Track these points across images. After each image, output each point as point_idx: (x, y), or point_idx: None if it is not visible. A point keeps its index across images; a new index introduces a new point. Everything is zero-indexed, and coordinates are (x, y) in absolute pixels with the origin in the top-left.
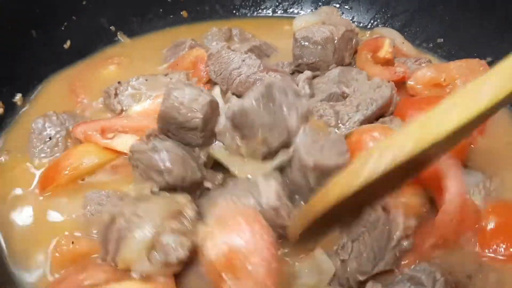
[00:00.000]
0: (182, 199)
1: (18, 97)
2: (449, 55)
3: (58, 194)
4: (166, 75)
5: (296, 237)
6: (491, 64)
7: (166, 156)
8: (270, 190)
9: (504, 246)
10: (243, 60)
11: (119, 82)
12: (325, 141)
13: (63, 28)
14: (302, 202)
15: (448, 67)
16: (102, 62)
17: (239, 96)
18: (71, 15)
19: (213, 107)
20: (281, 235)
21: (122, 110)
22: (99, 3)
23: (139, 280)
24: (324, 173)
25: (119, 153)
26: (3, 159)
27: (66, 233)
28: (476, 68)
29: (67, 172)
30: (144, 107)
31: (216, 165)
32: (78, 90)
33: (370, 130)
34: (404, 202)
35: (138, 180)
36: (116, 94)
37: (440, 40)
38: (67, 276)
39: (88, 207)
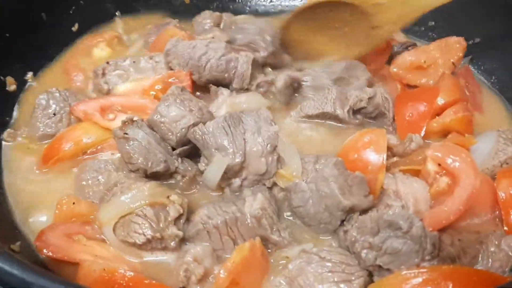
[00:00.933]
0: (176, 197)
1: (29, 75)
2: (440, 38)
3: (60, 167)
4: (151, 57)
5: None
6: (479, 44)
7: (131, 144)
8: (255, 201)
9: None
10: (207, 45)
11: (107, 62)
12: (353, 179)
13: (71, 12)
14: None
15: (428, 48)
16: (92, 40)
17: (215, 83)
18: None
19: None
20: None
21: (109, 90)
22: None
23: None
24: (348, 213)
25: None
26: (15, 133)
27: (70, 193)
28: (453, 46)
29: (70, 146)
30: (127, 87)
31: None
32: (71, 69)
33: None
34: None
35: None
36: (103, 74)
37: (432, 23)
38: (58, 226)
39: (86, 174)
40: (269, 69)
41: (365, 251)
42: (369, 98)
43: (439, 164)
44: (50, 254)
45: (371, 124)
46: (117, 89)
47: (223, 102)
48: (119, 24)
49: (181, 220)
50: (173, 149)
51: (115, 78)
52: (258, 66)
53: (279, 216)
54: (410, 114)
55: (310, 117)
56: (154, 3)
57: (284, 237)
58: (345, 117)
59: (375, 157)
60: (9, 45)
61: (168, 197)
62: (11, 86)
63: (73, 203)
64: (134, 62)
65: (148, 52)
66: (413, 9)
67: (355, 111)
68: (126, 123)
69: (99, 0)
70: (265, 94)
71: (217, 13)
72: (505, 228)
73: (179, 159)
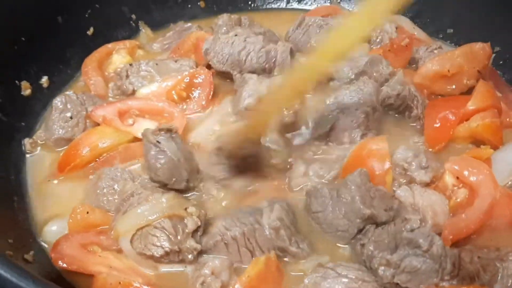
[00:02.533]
0: (194, 209)
1: (44, 79)
2: (459, 45)
3: (76, 174)
4: (176, 61)
5: None
6: (498, 53)
7: (161, 155)
8: (272, 213)
9: None
10: (245, 40)
11: (130, 64)
12: (376, 192)
13: (86, 16)
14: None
15: (452, 55)
16: (114, 46)
17: (254, 72)
18: (95, 3)
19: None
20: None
21: (133, 91)
22: None
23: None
24: (366, 223)
25: (136, 137)
26: (31, 140)
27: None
28: (478, 53)
29: (86, 151)
30: (151, 89)
31: None
32: (90, 73)
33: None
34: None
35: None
36: (127, 76)
37: (450, 30)
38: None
39: (102, 182)
40: (301, 59)
41: (382, 268)
42: (397, 95)
43: (457, 177)
44: (65, 265)
45: (398, 118)
46: (141, 90)
47: (258, 85)
48: (141, 34)
49: (199, 233)
50: None
51: (139, 80)
52: (294, 54)
53: (296, 227)
54: (439, 122)
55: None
56: (169, 5)
57: (302, 249)
58: (380, 109)
59: (379, 164)
60: (24, 49)
61: (185, 209)
62: (26, 90)
63: (87, 212)
64: (157, 64)
65: (172, 56)
66: None
67: (385, 106)
68: (162, 130)
69: (114, 3)
70: None
71: (236, 15)
72: None
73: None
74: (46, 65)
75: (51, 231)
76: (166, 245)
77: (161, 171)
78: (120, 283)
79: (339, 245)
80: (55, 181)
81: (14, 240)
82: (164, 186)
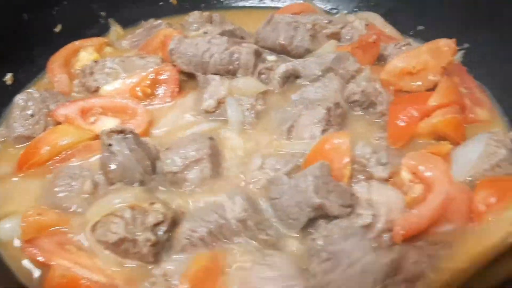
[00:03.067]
0: (160, 206)
1: (8, 77)
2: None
3: (35, 172)
4: (142, 58)
5: None
6: (467, 50)
7: (113, 158)
8: (235, 205)
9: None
10: (209, 42)
11: (95, 61)
12: (334, 187)
13: (54, 13)
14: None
15: (418, 51)
16: (82, 43)
17: (218, 73)
18: (62, 0)
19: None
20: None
21: (97, 88)
22: None
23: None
24: (319, 215)
25: (97, 134)
26: None
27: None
28: (443, 49)
29: (48, 148)
30: (115, 86)
31: None
32: (55, 70)
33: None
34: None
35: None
36: (92, 73)
37: (421, 27)
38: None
39: (59, 180)
40: (269, 57)
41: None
42: (362, 91)
43: (414, 173)
44: (35, 252)
45: (362, 115)
46: (105, 88)
47: (218, 86)
48: (112, 31)
49: (161, 228)
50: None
51: (103, 77)
52: (258, 55)
53: (260, 215)
54: (401, 119)
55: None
56: (140, 3)
57: (271, 235)
58: (344, 105)
59: (339, 158)
60: None
61: (152, 203)
62: None
63: (39, 214)
64: (123, 61)
65: (140, 53)
66: None
67: (350, 102)
68: (113, 132)
69: (84, 1)
70: (265, 80)
71: (207, 13)
72: None
73: (156, 179)
74: (11, 62)
75: (5, 228)
76: (121, 231)
77: (112, 174)
78: (64, 275)
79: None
80: (15, 179)
81: None
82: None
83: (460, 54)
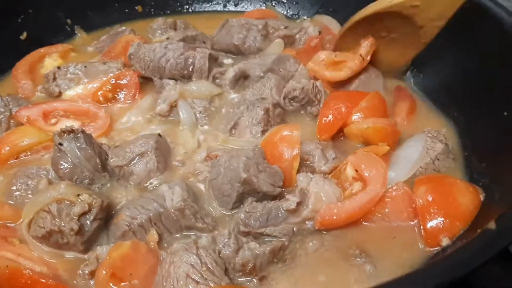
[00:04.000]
0: (87, 197)
1: None
2: None
3: None
4: (104, 63)
5: None
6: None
7: (63, 157)
8: (174, 195)
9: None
10: (165, 47)
11: (58, 67)
12: (266, 168)
13: (19, 20)
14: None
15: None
16: (47, 50)
17: (173, 78)
18: (28, 8)
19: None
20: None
21: (60, 93)
22: None
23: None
24: (250, 192)
25: None
26: None
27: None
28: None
29: (8, 148)
30: (77, 91)
31: None
32: (20, 76)
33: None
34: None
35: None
36: (54, 78)
37: None
38: None
39: (16, 179)
40: (225, 61)
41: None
42: (302, 88)
43: (356, 171)
44: None
45: (301, 112)
46: (67, 93)
47: (171, 91)
48: (77, 38)
49: (87, 217)
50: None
51: (66, 82)
52: (214, 59)
53: (198, 205)
54: (330, 114)
55: (251, 102)
56: (106, 13)
57: (208, 223)
58: (281, 103)
59: (289, 149)
60: None
61: (78, 195)
62: None
63: None
64: (85, 67)
65: (103, 59)
66: (449, 3)
67: (290, 99)
68: (64, 132)
69: (49, 8)
70: (219, 84)
71: (171, 19)
72: (423, 233)
73: (107, 177)
74: None
75: None
76: (47, 225)
77: (61, 172)
78: (7, 266)
79: (224, 213)
80: None
81: None
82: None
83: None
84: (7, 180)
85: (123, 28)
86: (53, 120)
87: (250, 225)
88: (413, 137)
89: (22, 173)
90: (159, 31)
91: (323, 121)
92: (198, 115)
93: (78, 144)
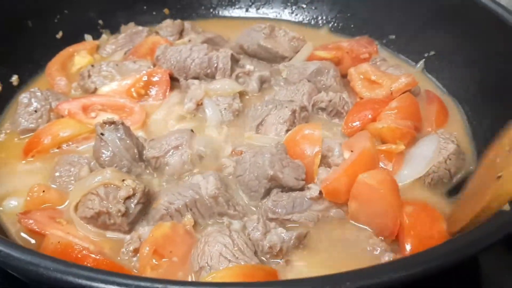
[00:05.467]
0: (131, 182)
1: (14, 78)
2: (399, 50)
3: (39, 159)
4: (134, 62)
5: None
6: (433, 56)
7: (104, 147)
8: (209, 184)
9: None
10: (190, 49)
11: (92, 65)
12: (290, 163)
13: (56, 20)
14: (244, 198)
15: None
16: (75, 48)
17: (198, 77)
18: (64, 9)
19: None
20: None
21: (95, 89)
22: None
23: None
24: (276, 186)
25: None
26: (3, 135)
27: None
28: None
29: (50, 138)
30: (112, 87)
31: None
32: (54, 73)
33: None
34: None
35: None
36: (89, 76)
37: (392, 36)
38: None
39: (60, 166)
40: (248, 66)
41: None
42: (329, 101)
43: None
44: (30, 223)
45: (326, 120)
46: (103, 88)
47: (196, 90)
48: (102, 35)
49: (132, 200)
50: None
51: (100, 79)
52: (235, 60)
53: (230, 194)
54: (357, 119)
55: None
56: (134, 14)
57: (239, 211)
58: (310, 110)
59: (311, 147)
60: None
61: (123, 180)
62: None
63: (43, 191)
64: (117, 65)
65: (126, 58)
66: None
67: (317, 108)
68: (106, 124)
69: (83, 9)
70: (242, 83)
71: (179, 21)
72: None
73: (143, 166)
74: (16, 65)
75: (10, 205)
76: (96, 207)
77: (102, 160)
78: (59, 242)
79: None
80: (20, 164)
81: None
82: None
83: (421, 63)
84: (50, 167)
85: (139, 28)
86: (92, 114)
87: (278, 213)
88: (426, 138)
89: (64, 161)
90: (170, 34)
91: (349, 126)
92: (223, 112)
93: (119, 135)
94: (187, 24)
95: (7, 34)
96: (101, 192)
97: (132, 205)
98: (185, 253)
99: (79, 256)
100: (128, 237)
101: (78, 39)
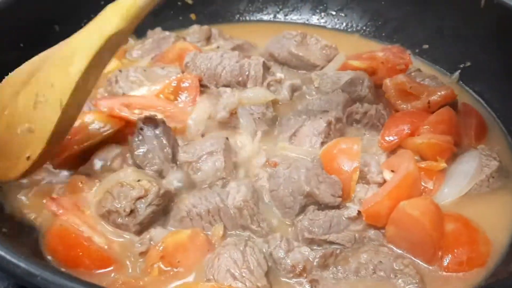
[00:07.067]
0: (145, 182)
1: None
2: (433, 60)
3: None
4: (163, 68)
5: None
6: (469, 68)
7: (139, 142)
8: (238, 194)
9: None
10: (221, 56)
11: (120, 70)
12: (325, 178)
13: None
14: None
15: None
16: None
17: (229, 85)
18: (90, 13)
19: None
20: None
21: (123, 95)
22: None
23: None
24: (312, 204)
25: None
26: None
27: None
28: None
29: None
30: (141, 92)
31: None
32: None
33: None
34: None
35: None
36: (117, 81)
37: (426, 46)
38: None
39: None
40: (278, 74)
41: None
42: (364, 113)
43: (392, 171)
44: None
45: (361, 132)
46: (131, 93)
47: (230, 98)
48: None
49: (144, 202)
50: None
51: (128, 85)
52: (267, 68)
53: (259, 208)
54: (394, 132)
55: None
56: (160, 19)
57: (262, 227)
58: (343, 120)
59: (349, 162)
60: (23, 55)
61: (138, 181)
62: None
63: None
64: (145, 71)
65: (153, 63)
66: None
67: (352, 120)
68: (147, 119)
69: None
70: (274, 91)
71: (206, 27)
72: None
73: (175, 168)
74: None
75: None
76: (107, 205)
77: (135, 155)
78: (60, 225)
79: (287, 222)
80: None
81: None
82: None
83: (456, 75)
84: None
85: (166, 33)
86: (136, 111)
87: (314, 232)
88: (467, 154)
89: (101, 152)
90: (197, 39)
91: (386, 140)
92: (256, 121)
93: (157, 133)
94: (214, 30)
95: (35, 39)
96: (115, 191)
97: (142, 206)
98: (195, 262)
99: (75, 242)
100: (137, 238)
101: None
